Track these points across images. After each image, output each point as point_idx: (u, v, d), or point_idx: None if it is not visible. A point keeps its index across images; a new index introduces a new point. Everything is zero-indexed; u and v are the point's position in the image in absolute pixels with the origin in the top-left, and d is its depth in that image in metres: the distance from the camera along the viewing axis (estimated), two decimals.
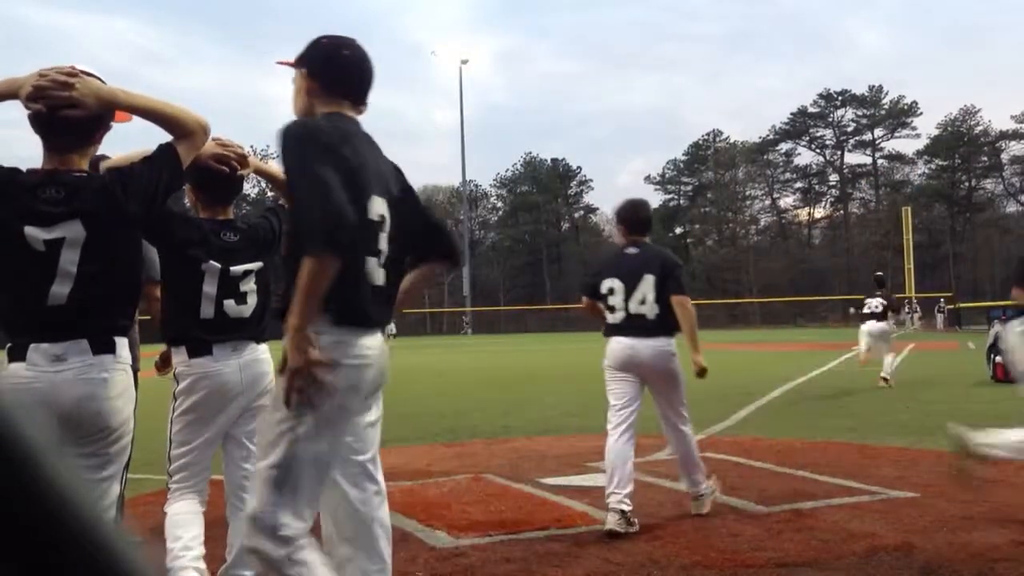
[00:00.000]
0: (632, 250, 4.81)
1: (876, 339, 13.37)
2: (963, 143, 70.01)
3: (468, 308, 59.78)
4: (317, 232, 2.19)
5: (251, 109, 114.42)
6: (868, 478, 5.55)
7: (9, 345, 2.48)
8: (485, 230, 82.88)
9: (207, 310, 3.14)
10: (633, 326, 4.64)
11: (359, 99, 2.61)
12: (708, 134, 79.09)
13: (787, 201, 78.01)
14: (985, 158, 70.38)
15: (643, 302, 4.63)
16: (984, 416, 8.78)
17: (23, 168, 2.52)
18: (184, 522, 3.08)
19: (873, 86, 73.57)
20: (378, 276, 2.43)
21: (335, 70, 2.59)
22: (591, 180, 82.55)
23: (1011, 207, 71.49)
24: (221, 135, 3.12)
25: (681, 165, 79.64)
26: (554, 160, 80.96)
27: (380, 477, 2.66)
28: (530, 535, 4.30)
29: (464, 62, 61.71)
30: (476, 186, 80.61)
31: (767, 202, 77.50)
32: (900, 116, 72.95)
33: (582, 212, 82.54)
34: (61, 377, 2.42)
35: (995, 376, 12.75)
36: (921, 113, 72.92)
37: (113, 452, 2.55)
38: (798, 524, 4.44)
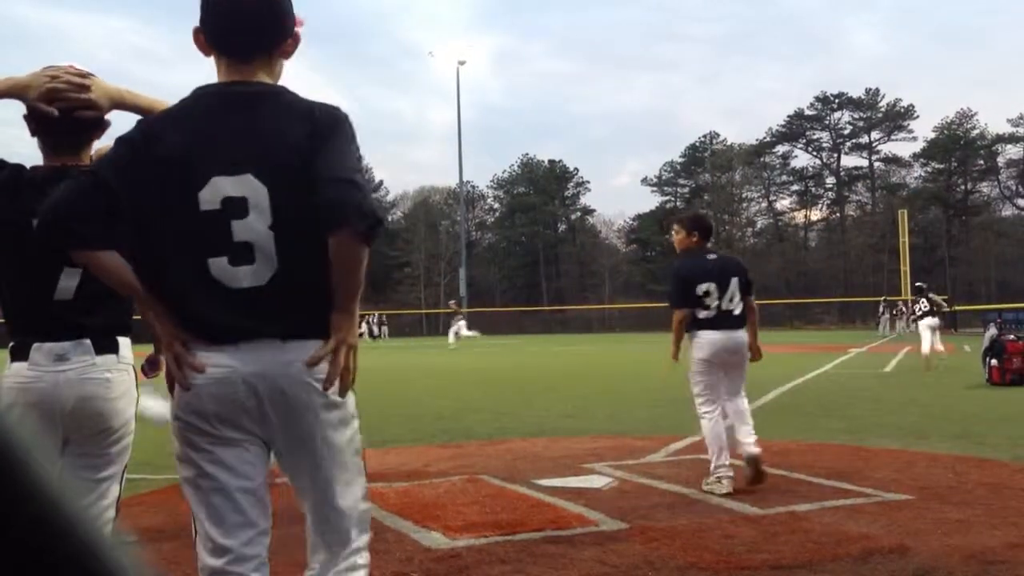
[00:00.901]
0: (712, 256, 5.70)
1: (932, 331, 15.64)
2: (959, 146, 70.15)
3: (465, 309, 59.77)
4: (43, 232, 1.97)
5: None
6: (863, 480, 5.56)
7: (11, 344, 2.48)
8: (482, 231, 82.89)
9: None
10: (723, 321, 5.50)
11: (229, 49, 2.07)
12: (705, 136, 79.21)
13: (783, 203, 78.14)
14: (981, 161, 70.52)
15: (731, 300, 5.53)
16: (979, 418, 8.80)
17: (26, 165, 2.52)
18: None
19: (870, 89, 73.73)
20: (235, 277, 1.93)
21: (205, 15, 2.10)
22: (588, 182, 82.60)
23: (1007, 210, 71.67)
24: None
25: (678, 167, 79.73)
26: (551, 161, 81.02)
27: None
28: (525, 536, 4.29)
29: (462, 63, 61.73)
30: (473, 187, 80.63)
31: (763, 204, 77.60)
32: (897, 119, 73.09)
33: (579, 213, 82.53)
34: (63, 377, 2.42)
35: (990, 379, 12.78)
36: (917, 116, 73.10)
37: (114, 452, 2.55)
38: (793, 526, 4.44)
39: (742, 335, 5.59)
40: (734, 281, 5.59)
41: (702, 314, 5.50)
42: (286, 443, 2.05)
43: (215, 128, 1.99)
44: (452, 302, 40.70)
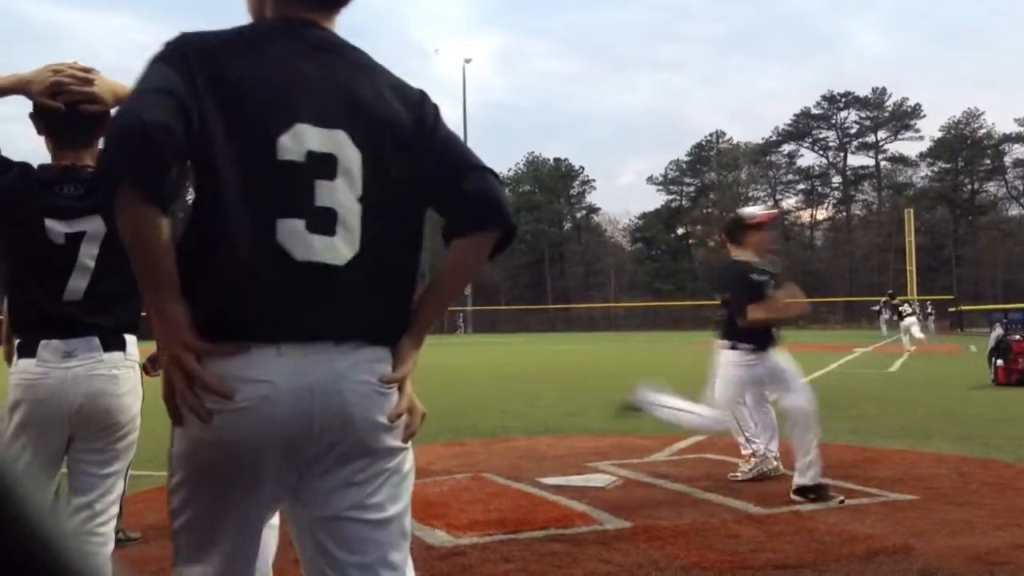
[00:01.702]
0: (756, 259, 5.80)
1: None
2: (966, 146, 69.98)
3: (469, 307, 59.78)
4: (112, 153, 1.44)
5: None
6: (868, 480, 5.55)
7: (19, 341, 2.49)
8: None
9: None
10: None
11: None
12: (711, 135, 79.20)
13: (789, 203, 78.06)
14: (988, 161, 70.35)
15: None
16: (984, 419, 8.77)
17: (33, 164, 2.52)
18: None
19: (876, 88, 73.61)
20: (309, 247, 1.53)
21: None
22: (593, 180, 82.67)
23: (1014, 210, 71.50)
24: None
25: (684, 166, 79.67)
26: (556, 160, 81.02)
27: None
28: (529, 535, 4.29)
29: (467, 61, 61.80)
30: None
31: (769, 203, 77.41)
32: (903, 118, 72.96)
33: (584, 212, 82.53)
34: (71, 373, 2.43)
35: (996, 379, 12.74)
36: (924, 115, 72.99)
37: (120, 448, 2.56)
38: (797, 526, 4.43)
39: None
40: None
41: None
42: (316, 492, 1.58)
43: (298, 67, 1.61)
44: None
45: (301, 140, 1.54)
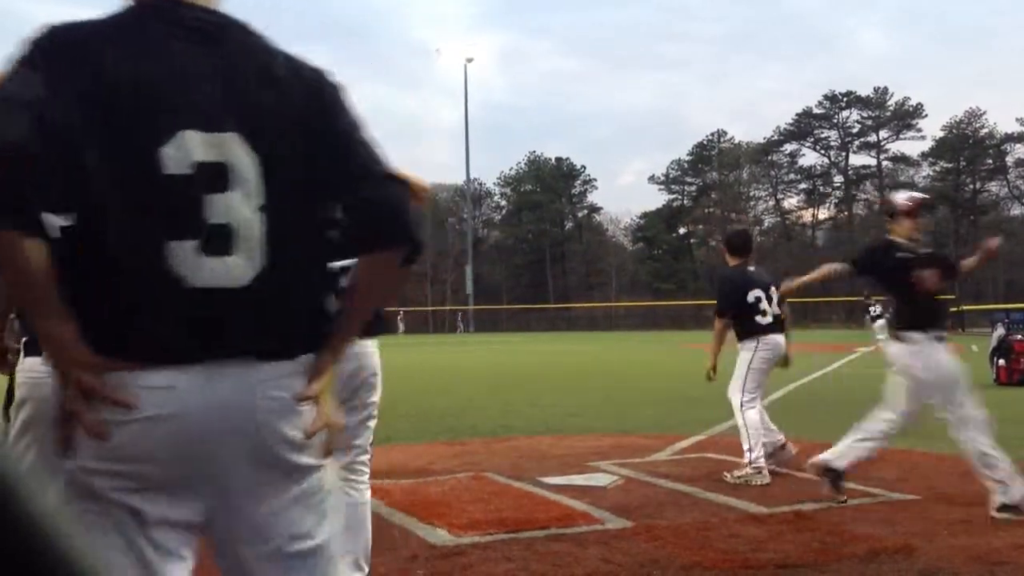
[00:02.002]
0: (752, 268, 6.20)
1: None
2: (968, 145, 69.89)
3: (471, 307, 59.80)
4: None
5: None
6: (869, 480, 5.55)
7: (25, 339, 2.49)
8: (488, 229, 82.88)
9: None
10: (778, 325, 6.01)
11: None
12: (712, 134, 79.03)
13: (791, 202, 77.95)
14: (990, 161, 70.25)
15: (778, 306, 6.00)
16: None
17: None
18: None
19: (878, 88, 73.47)
20: (204, 271, 1.40)
21: None
22: (595, 179, 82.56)
23: (1016, 210, 71.39)
24: None
25: (685, 165, 79.56)
26: (558, 159, 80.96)
27: None
28: (530, 534, 4.29)
29: (469, 60, 61.80)
30: (480, 184, 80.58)
31: (771, 203, 77.42)
32: (905, 118, 72.84)
33: (586, 211, 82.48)
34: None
35: (998, 379, 12.74)
36: (926, 115, 72.82)
37: None
38: (799, 525, 4.43)
39: (783, 338, 6.14)
40: (773, 290, 6.02)
41: (760, 319, 5.95)
42: (233, 516, 1.46)
43: (178, 61, 1.43)
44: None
45: (186, 150, 1.39)
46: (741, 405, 5.88)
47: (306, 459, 1.49)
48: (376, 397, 3.34)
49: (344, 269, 3.04)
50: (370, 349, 3.27)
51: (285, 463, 1.46)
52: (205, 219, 1.41)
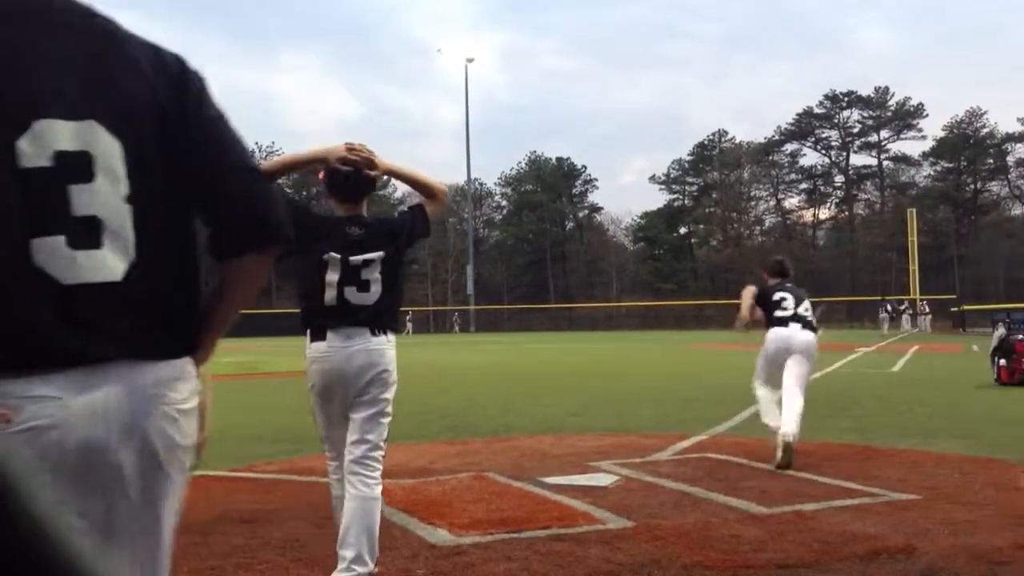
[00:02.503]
0: (789, 284, 7.15)
1: None
2: (969, 145, 69.87)
3: (472, 307, 59.80)
4: None
5: (254, 104, 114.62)
6: (870, 480, 5.54)
7: None
8: (489, 228, 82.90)
9: (329, 297, 3.33)
10: (798, 321, 6.79)
11: None
12: (713, 134, 79.05)
13: (792, 202, 77.99)
14: (991, 160, 70.23)
15: (806, 310, 6.89)
16: (987, 418, 8.76)
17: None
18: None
19: (879, 87, 73.48)
20: (74, 267, 1.33)
21: None
22: (596, 179, 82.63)
23: (1016, 210, 71.37)
24: (355, 141, 3.46)
25: (686, 165, 79.57)
26: (559, 159, 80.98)
27: None
28: (531, 534, 4.29)
29: (470, 60, 61.77)
30: (481, 184, 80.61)
31: (772, 203, 77.44)
32: (906, 118, 72.83)
33: (587, 211, 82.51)
34: None
35: (999, 379, 12.73)
36: (927, 115, 72.84)
37: None
38: (800, 525, 4.43)
39: (810, 336, 6.83)
40: (806, 300, 7.02)
41: (778, 313, 6.87)
42: (111, 521, 1.37)
43: (35, 46, 1.35)
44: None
45: (44, 140, 1.31)
46: (757, 381, 7.06)
47: (185, 460, 1.46)
48: (389, 394, 3.40)
49: (368, 262, 3.35)
50: (384, 345, 3.36)
51: (172, 467, 1.42)
52: (70, 212, 1.33)
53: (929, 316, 44.26)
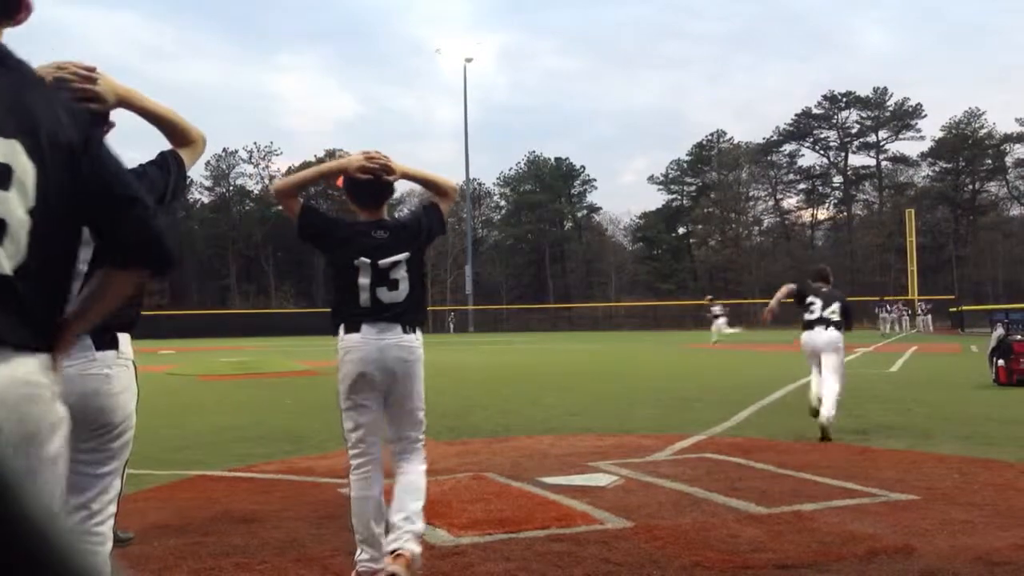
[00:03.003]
0: (825, 288, 8.45)
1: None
2: (967, 146, 69.94)
3: (470, 307, 59.78)
4: None
5: (253, 104, 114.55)
6: (869, 480, 5.55)
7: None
8: (488, 228, 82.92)
9: (363, 298, 3.56)
10: (823, 323, 8.15)
11: None
12: (712, 134, 79.13)
13: (790, 202, 78.10)
14: (989, 161, 70.31)
15: (834, 312, 8.16)
16: (986, 419, 8.77)
17: None
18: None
19: (878, 88, 73.60)
20: None
21: None
22: (594, 180, 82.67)
23: (1015, 210, 71.47)
24: (370, 149, 3.70)
25: (684, 165, 79.65)
26: (557, 159, 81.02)
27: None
28: (530, 534, 4.29)
29: (468, 60, 61.75)
30: (479, 184, 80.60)
31: (770, 203, 77.53)
32: (904, 118, 72.95)
33: (585, 211, 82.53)
34: (64, 374, 2.43)
35: (997, 379, 12.74)
36: (926, 115, 72.96)
37: (116, 448, 2.55)
38: (798, 525, 4.43)
39: (834, 335, 8.15)
40: (836, 303, 8.27)
41: (807, 316, 8.27)
42: None
43: None
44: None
45: None
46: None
47: (57, 448, 1.64)
48: (421, 387, 3.68)
49: (395, 263, 3.53)
50: (414, 343, 3.62)
51: (39, 454, 1.57)
52: None
53: (929, 316, 44.36)
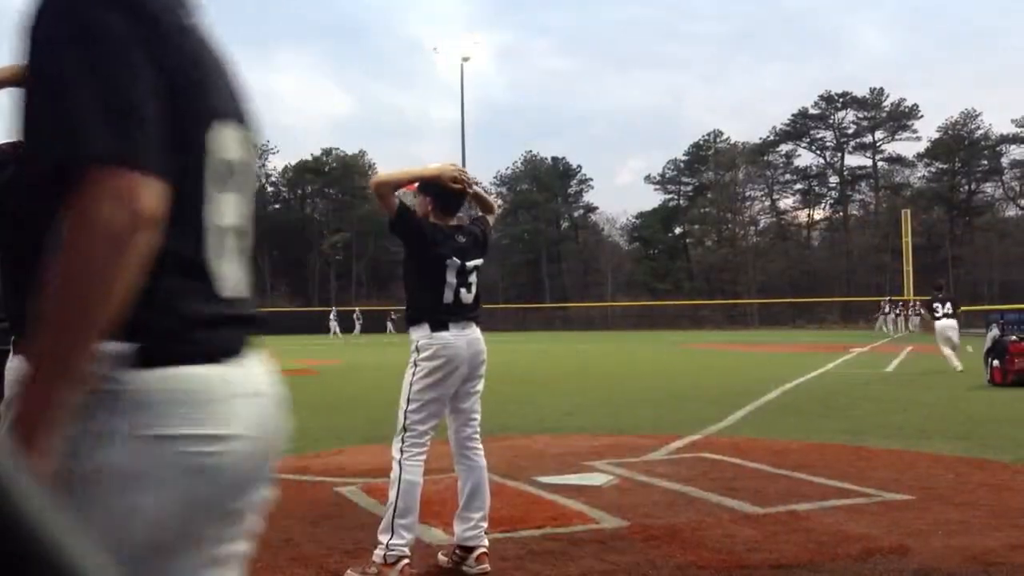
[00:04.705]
0: (941, 295, 15.42)
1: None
2: (963, 146, 70.01)
3: None
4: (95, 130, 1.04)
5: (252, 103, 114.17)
6: (864, 480, 5.55)
7: (13, 338, 2.49)
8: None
9: (448, 296, 3.84)
10: (945, 317, 15.50)
11: None
12: (708, 134, 79.10)
13: (787, 202, 78.09)
14: (985, 162, 70.38)
15: (949, 308, 15.46)
16: (981, 419, 8.78)
17: None
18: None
19: (874, 88, 73.62)
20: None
21: None
22: (591, 179, 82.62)
23: (1011, 211, 71.54)
24: (455, 164, 4.09)
25: (681, 165, 79.63)
26: (554, 158, 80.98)
27: None
28: (526, 533, 4.30)
29: (466, 59, 61.66)
30: (476, 184, 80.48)
31: (767, 203, 77.51)
32: (901, 119, 72.97)
33: (582, 211, 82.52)
34: None
35: (992, 379, 12.76)
36: (922, 116, 72.97)
37: None
38: (794, 525, 4.44)
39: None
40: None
41: (938, 312, 15.35)
42: None
43: None
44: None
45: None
46: (941, 346, 13.71)
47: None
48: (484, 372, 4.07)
49: (476, 267, 3.89)
50: (482, 337, 3.98)
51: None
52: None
53: (919, 317, 44.42)
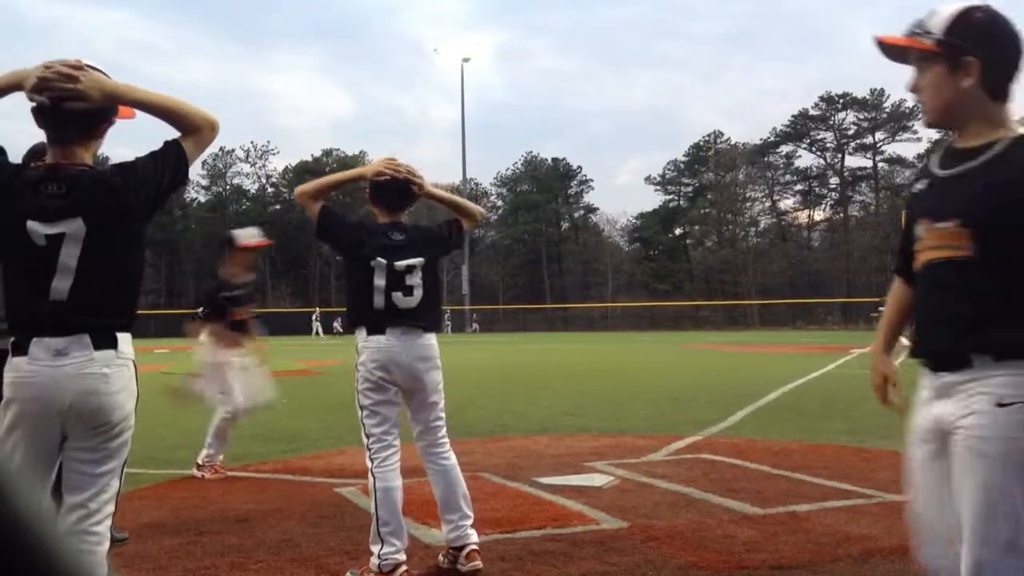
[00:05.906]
0: None
1: None
2: None
3: (467, 307, 59.72)
4: None
5: (250, 103, 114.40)
6: (864, 481, 5.55)
7: (13, 339, 2.49)
8: (485, 229, 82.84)
9: (378, 300, 3.70)
10: None
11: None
12: (709, 135, 79.18)
13: (787, 203, 78.12)
14: None
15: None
16: None
17: (30, 163, 2.54)
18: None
19: (875, 89, 73.64)
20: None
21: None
22: (591, 180, 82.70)
23: None
24: (397, 158, 3.89)
25: (681, 166, 79.68)
26: (554, 159, 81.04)
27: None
28: (526, 534, 4.30)
29: (466, 60, 61.72)
30: (476, 184, 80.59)
31: (767, 204, 77.52)
32: (901, 119, 72.96)
33: (582, 212, 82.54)
34: (62, 372, 2.43)
35: None
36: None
37: (113, 447, 2.55)
38: (794, 526, 4.44)
39: None
40: None
41: None
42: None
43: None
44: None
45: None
46: None
47: None
48: (441, 383, 3.92)
49: (411, 268, 3.69)
50: (432, 342, 3.83)
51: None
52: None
53: None
